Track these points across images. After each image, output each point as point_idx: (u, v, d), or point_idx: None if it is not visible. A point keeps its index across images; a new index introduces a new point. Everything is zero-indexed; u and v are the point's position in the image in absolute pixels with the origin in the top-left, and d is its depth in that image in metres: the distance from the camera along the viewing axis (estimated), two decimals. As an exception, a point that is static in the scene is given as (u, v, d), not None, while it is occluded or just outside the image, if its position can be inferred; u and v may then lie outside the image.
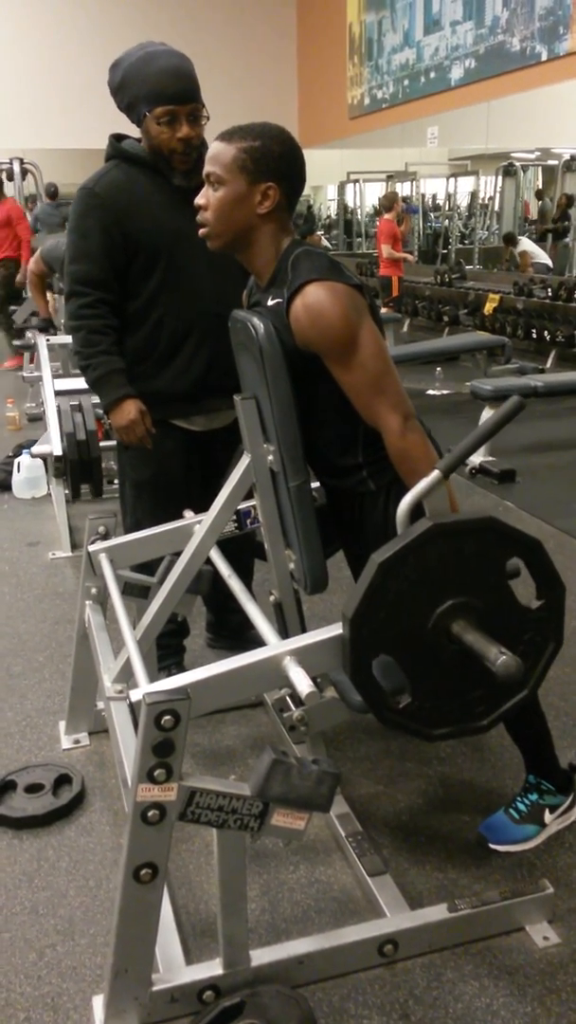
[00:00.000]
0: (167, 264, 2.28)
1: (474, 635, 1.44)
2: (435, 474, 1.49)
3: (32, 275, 6.25)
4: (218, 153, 1.70)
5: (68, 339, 3.86)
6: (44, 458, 4.15)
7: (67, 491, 4.02)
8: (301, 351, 1.68)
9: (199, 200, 1.75)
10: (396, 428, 1.69)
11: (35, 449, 4.18)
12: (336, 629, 1.53)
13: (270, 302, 1.73)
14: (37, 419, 5.67)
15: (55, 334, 5.83)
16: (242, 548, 2.31)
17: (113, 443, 2.54)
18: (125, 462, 2.51)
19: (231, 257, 1.83)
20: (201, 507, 2.16)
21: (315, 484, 1.95)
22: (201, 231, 1.77)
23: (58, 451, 3.81)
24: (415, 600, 1.46)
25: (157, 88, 2.17)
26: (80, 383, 3.95)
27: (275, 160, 1.69)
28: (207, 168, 1.72)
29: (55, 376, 4.77)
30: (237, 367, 1.97)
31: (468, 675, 1.51)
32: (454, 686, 1.53)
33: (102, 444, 3.85)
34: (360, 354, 1.66)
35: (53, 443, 3.87)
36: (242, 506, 2.08)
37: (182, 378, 2.36)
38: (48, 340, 5.47)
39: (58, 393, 4.35)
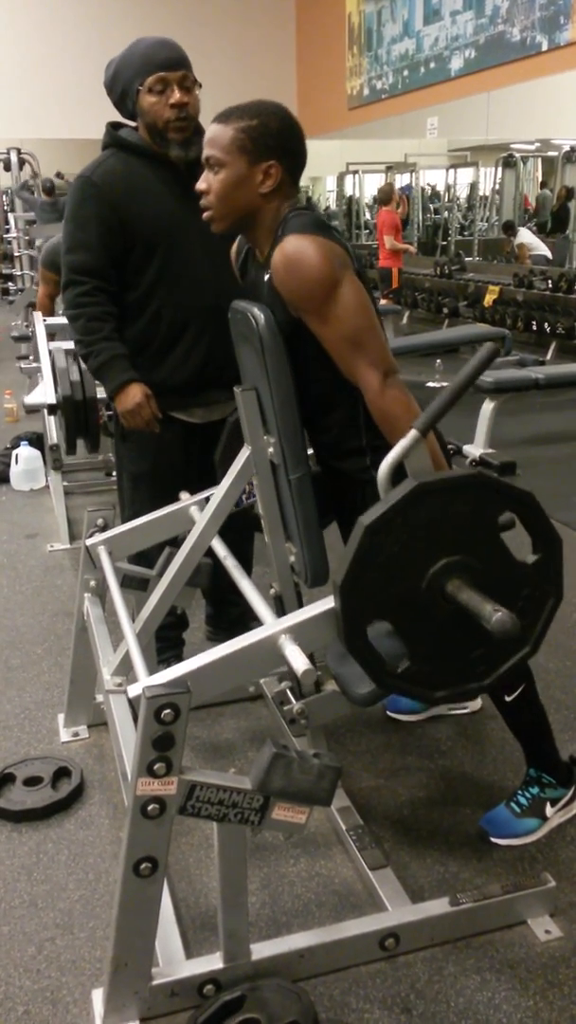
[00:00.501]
0: (165, 253, 2.26)
1: (468, 593, 1.39)
2: (412, 434, 1.44)
3: (43, 299, 5.67)
4: (216, 135, 1.68)
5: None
6: (38, 413, 3.97)
7: (63, 443, 3.76)
8: (294, 319, 1.65)
9: (200, 185, 1.72)
10: (375, 385, 1.64)
11: (28, 399, 3.99)
12: (330, 602, 1.48)
13: (266, 277, 1.70)
14: (35, 411, 5.61)
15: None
16: (241, 539, 2.29)
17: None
18: (123, 454, 2.49)
19: (229, 247, 1.81)
20: (200, 499, 2.15)
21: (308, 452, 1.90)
22: (204, 215, 1.74)
23: (52, 399, 3.65)
24: (407, 561, 1.42)
25: (146, 59, 2.19)
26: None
27: (274, 137, 1.67)
28: (206, 152, 1.70)
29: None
30: (237, 358, 1.96)
31: (467, 635, 1.46)
32: (453, 647, 1.49)
33: (101, 395, 3.58)
34: (339, 306, 1.61)
35: (47, 393, 3.72)
36: None
37: (181, 369, 2.34)
38: (46, 320, 5.39)
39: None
